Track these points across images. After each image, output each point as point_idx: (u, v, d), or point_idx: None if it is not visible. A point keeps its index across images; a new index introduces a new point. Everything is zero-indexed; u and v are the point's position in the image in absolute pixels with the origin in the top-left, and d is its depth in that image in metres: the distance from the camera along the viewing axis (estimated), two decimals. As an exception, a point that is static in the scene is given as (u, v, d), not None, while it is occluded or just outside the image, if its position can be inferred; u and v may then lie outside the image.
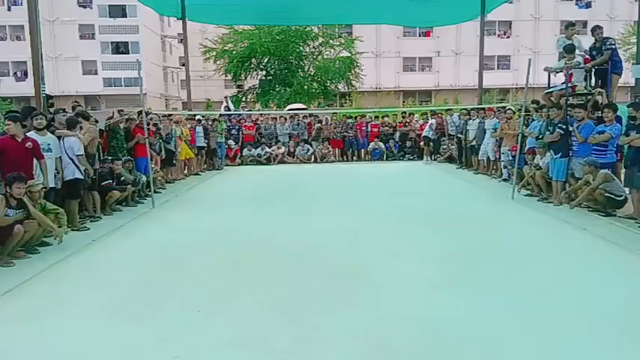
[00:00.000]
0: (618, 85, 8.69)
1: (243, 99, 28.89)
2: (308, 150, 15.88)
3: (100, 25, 38.73)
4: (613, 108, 7.22)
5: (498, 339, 3.29)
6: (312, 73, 28.22)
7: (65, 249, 5.53)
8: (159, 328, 3.54)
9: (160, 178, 10.28)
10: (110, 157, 8.15)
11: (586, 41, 9.03)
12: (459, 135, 13.60)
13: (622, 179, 6.96)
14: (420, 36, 39.86)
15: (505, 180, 10.24)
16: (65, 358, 3.18)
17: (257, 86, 28.70)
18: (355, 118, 16.83)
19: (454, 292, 4.14)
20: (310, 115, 17.36)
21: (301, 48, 27.65)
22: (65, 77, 37.25)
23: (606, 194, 6.77)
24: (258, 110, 25.06)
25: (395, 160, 15.83)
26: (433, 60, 40.09)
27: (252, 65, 27.66)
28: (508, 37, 39.54)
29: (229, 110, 17.67)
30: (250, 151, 15.59)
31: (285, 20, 20.33)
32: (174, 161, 11.44)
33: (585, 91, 8.38)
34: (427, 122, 15.40)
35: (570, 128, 7.75)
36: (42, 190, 5.75)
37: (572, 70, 8.29)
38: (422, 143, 15.51)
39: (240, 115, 17.56)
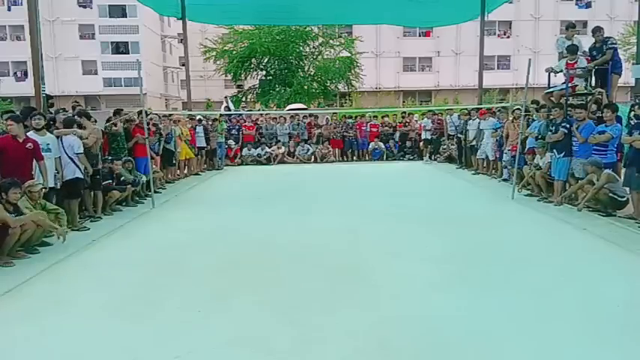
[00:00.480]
0: (618, 85, 8.69)
1: (243, 99, 28.87)
2: (308, 150, 15.88)
3: (100, 25, 38.72)
4: (613, 108, 7.21)
5: (498, 339, 3.29)
6: (312, 73, 28.20)
7: (65, 249, 5.53)
8: (159, 328, 3.54)
9: (159, 178, 10.27)
10: (110, 157, 8.15)
11: (586, 41, 9.04)
12: (458, 135, 13.61)
13: (622, 179, 6.96)
14: (420, 36, 39.82)
15: (505, 180, 10.25)
16: (65, 358, 3.18)
17: (257, 86, 28.68)
18: (355, 118, 16.85)
19: (454, 292, 4.14)
20: (310, 115, 17.37)
21: (301, 48, 27.63)
22: (65, 77, 37.24)
23: (610, 194, 6.76)
24: (259, 110, 25.05)
25: (395, 160, 15.84)
26: (433, 60, 40.06)
27: (252, 65, 27.64)
28: (508, 37, 39.52)
29: (229, 110, 17.66)
30: (250, 151, 15.59)
31: (285, 20, 20.31)
32: (174, 161, 11.44)
33: (585, 91, 8.39)
34: (423, 124, 15.42)
35: (571, 128, 7.76)
36: (42, 191, 5.76)
37: (576, 72, 8.29)
38: (422, 144, 15.53)
39: (240, 115, 17.55)
